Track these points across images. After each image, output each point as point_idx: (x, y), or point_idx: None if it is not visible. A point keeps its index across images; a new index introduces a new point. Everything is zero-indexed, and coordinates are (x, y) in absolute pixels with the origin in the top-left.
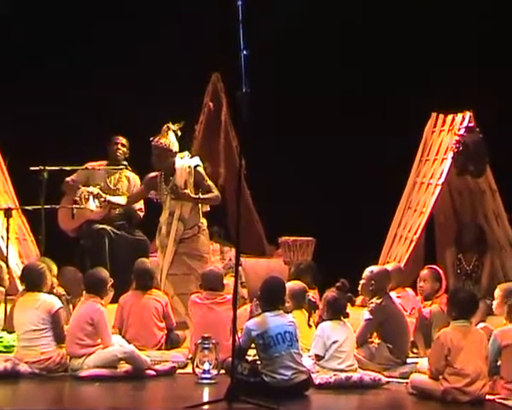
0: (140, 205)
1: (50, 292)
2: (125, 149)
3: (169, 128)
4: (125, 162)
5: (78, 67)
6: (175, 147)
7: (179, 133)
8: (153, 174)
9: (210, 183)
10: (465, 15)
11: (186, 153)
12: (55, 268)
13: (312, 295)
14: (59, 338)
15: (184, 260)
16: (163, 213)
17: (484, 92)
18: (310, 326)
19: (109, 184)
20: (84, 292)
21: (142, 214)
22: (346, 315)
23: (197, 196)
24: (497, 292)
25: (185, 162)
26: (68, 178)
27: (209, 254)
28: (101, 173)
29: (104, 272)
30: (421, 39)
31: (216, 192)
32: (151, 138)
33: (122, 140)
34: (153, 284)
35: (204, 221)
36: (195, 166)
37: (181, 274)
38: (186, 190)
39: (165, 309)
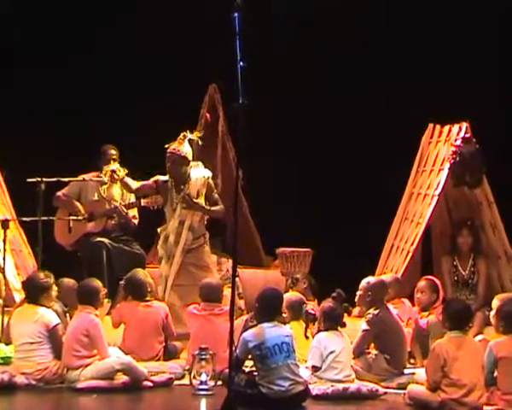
0: (134, 212)
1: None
2: (115, 164)
3: (185, 136)
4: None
5: (75, 78)
6: (190, 156)
7: (200, 142)
8: (165, 179)
9: (217, 196)
10: (463, 26)
11: (200, 163)
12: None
13: (312, 306)
14: (56, 353)
15: (191, 270)
16: (171, 222)
17: (481, 103)
18: (307, 337)
19: (103, 195)
20: (78, 304)
21: (136, 221)
22: (343, 325)
23: (208, 208)
24: (495, 302)
25: (200, 173)
26: (59, 193)
27: (213, 265)
28: (93, 184)
29: (96, 282)
30: (420, 50)
31: (222, 205)
32: (166, 146)
33: (111, 153)
34: (147, 293)
35: (207, 232)
36: (208, 178)
37: (188, 285)
38: (199, 200)
39: (164, 320)
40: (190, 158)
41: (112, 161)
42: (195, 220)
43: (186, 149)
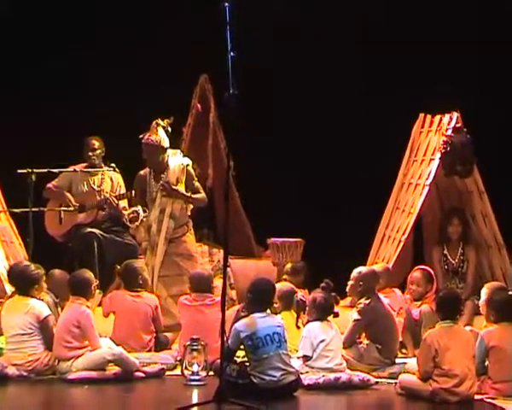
0: (124, 203)
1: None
2: (97, 152)
3: (158, 124)
4: (113, 165)
5: (67, 70)
6: (165, 143)
7: (169, 129)
8: (142, 172)
9: (198, 184)
10: (453, 16)
11: (178, 151)
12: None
13: (302, 295)
14: (47, 344)
15: (175, 260)
16: (152, 212)
17: (471, 92)
18: (298, 327)
19: (93, 186)
20: (70, 295)
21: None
22: (336, 314)
23: (188, 195)
24: (484, 291)
25: (178, 160)
26: (50, 185)
27: (197, 253)
28: (82, 175)
29: (88, 273)
30: (410, 40)
31: (203, 193)
32: (141, 136)
33: (94, 143)
34: (139, 285)
35: (190, 220)
36: (187, 165)
37: (173, 275)
38: (178, 187)
39: (154, 312)
40: (166, 145)
41: (91, 151)
42: (176, 208)
43: (160, 137)
